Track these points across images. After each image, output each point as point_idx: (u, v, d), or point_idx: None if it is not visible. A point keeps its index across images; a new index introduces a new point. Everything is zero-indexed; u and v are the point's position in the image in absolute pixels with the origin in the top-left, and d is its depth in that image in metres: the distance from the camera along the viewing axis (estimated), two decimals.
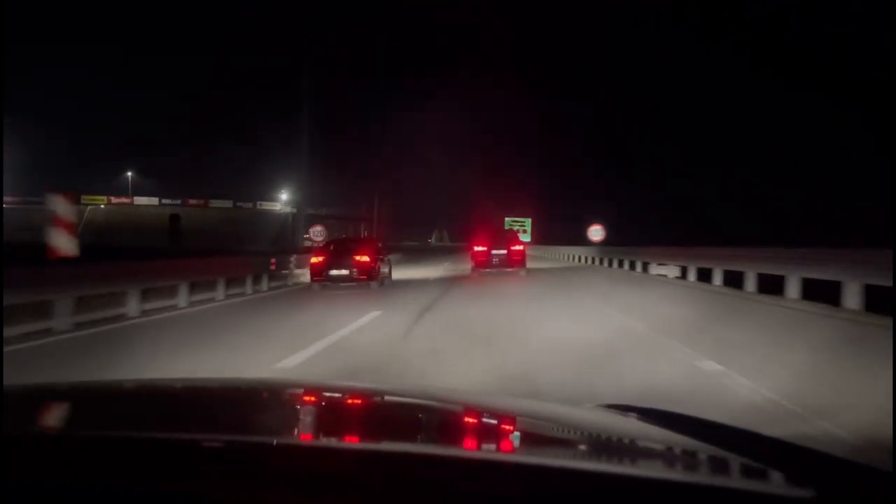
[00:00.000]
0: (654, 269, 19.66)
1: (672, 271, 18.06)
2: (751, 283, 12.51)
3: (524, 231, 62.47)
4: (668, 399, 4.11)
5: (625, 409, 1.65)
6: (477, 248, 19.92)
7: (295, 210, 73.53)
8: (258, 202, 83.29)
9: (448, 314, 9.77)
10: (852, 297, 9.25)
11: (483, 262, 19.67)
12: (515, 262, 19.55)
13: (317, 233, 25.72)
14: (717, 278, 14.35)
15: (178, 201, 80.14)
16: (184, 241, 44.15)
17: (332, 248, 16.92)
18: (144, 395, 1.72)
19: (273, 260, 17.41)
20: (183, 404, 1.57)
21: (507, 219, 60.46)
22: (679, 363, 5.54)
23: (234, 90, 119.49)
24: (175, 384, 2.12)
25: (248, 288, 14.91)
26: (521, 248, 19.88)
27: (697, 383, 4.77)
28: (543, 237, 60.84)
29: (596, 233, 28.74)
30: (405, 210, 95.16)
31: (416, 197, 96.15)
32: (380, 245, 18.44)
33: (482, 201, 68.12)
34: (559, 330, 7.87)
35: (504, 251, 19.62)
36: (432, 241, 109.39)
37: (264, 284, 16.01)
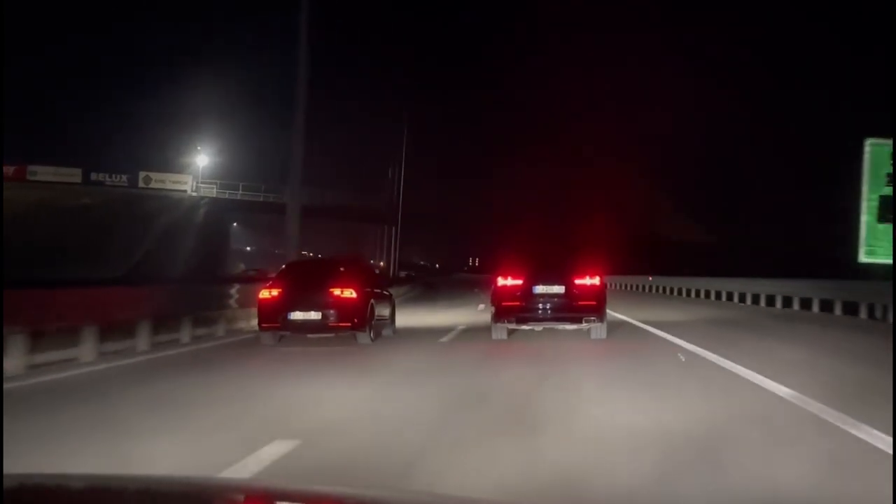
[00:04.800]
0: None
1: None
2: None
3: None
4: None
5: None
6: (503, 282, 10.70)
7: (224, 192, 43.57)
8: (143, 174, 44.32)
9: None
10: None
11: (513, 309, 10.57)
12: (581, 308, 10.54)
13: None
14: None
15: None
16: None
17: (294, 275, 11.26)
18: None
19: None
20: None
21: (869, 143, 22.21)
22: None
23: None
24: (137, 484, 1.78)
25: (143, 343, 9.54)
26: (594, 282, 10.70)
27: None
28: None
29: None
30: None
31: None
32: (372, 270, 12.95)
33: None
34: None
35: (559, 287, 10.58)
36: None
37: (185, 334, 10.60)
